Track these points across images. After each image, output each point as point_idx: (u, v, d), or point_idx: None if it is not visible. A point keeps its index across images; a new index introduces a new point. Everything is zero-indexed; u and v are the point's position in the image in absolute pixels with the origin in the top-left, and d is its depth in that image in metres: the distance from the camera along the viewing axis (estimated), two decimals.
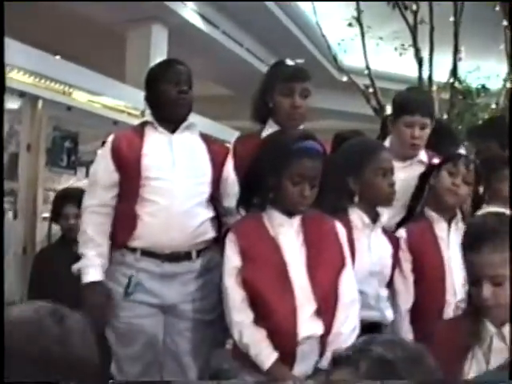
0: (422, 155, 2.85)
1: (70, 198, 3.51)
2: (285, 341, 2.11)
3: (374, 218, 2.45)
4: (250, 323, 2.15)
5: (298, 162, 2.14)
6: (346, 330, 2.17)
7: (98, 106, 7.83)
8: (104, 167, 2.57)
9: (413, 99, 2.85)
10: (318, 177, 2.18)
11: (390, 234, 2.53)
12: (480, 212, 1.96)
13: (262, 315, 2.14)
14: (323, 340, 2.15)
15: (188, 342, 2.54)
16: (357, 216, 2.42)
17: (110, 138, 2.63)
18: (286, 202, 2.19)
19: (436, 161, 2.68)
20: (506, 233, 1.73)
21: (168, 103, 2.60)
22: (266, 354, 2.11)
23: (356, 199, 2.42)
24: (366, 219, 2.42)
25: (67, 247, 3.45)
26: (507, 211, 1.91)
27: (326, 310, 2.16)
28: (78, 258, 3.32)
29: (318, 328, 2.13)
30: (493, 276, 1.72)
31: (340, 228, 2.28)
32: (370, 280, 2.40)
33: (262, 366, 2.11)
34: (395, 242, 2.49)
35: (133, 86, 8.20)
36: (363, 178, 2.41)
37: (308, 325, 2.11)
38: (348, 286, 2.23)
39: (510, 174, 2.64)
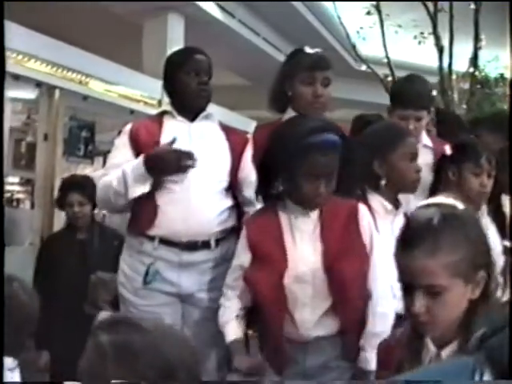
0: (425, 139, 2.82)
1: (75, 186, 3.52)
2: (275, 341, 2.11)
3: (396, 203, 2.39)
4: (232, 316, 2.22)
5: (310, 159, 2.03)
6: (380, 328, 2.10)
7: (114, 95, 7.83)
8: (123, 154, 2.55)
9: (407, 92, 2.78)
10: (334, 171, 2.08)
11: None
12: (426, 202, 1.51)
13: (260, 317, 2.17)
14: (344, 337, 2.11)
15: (206, 331, 2.51)
16: (377, 202, 2.35)
17: (128, 127, 2.61)
18: (300, 199, 2.12)
19: (448, 150, 2.63)
20: (452, 231, 1.35)
21: (188, 94, 2.58)
22: (231, 329, 2.21)
23: (382, 183, 2.36)
24: (388, 205, 2.35)
25: (72, 234, 3.46)
26: (460, 205, 1.44)
27: (345, 304, 2.11)
28: (81, 244, 3.37)
29: (329, 328, 2.10)
30: (427, 286, 1.33)
31: (363, 211, 2.18)
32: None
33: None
34: None
35: (149, 75, 8.19)
36: (390, 162, 2.35)
37: (317, 325, 2.08)
38: (377, 279, 2.15)
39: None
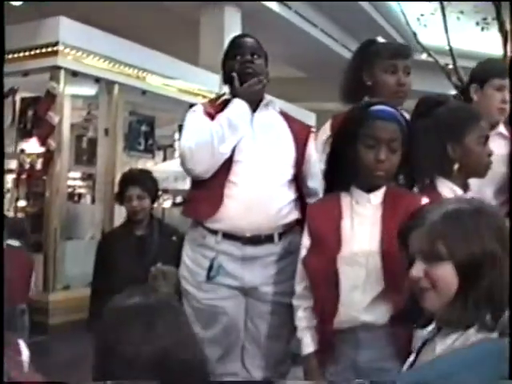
0: (501, 128, 2.74)
1: (135, 180, 3.51)
2: (327, 328, 2.08)
3: (465, 188, 2.31)
4: (304, 309, 2.20)
5: (369, 124, 2.06)
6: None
7: (172, 89, 7.90)
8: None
9: (502, 64, 2.92)
10: (395, 140, 2.05)
11: None
12: None
13: (315, 301, 2.15)
14: (395, 330, 2.04)
15: (269, 324, 2.47)
16: (447, 188, 2.26)
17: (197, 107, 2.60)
18: (362, 170, 2.07)
19: None
20: None
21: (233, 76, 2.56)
22: (305, 344, 2.19)
23: (455, 167, 2.28)
24: (458, 190, 2.27)
25: (130, 231, 3.45)
26: None
27: (397, 292, 2.02)
28: (140, 240, 3.36)
29: (379, 315, 2.03)
30: None
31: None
32: None
33: (301, 352, 2.22)
34: None
35: (207, 69, 8.22)
36: (465, 144, 2.26)
37: (367, 309, 2.03)
38: None
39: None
